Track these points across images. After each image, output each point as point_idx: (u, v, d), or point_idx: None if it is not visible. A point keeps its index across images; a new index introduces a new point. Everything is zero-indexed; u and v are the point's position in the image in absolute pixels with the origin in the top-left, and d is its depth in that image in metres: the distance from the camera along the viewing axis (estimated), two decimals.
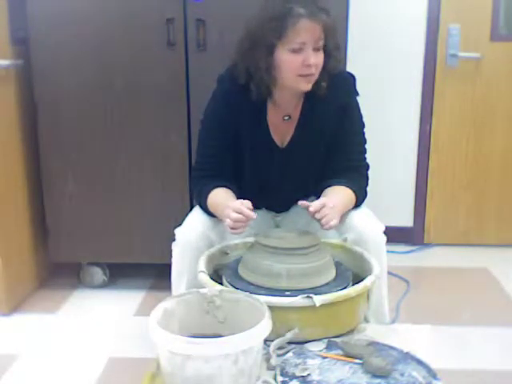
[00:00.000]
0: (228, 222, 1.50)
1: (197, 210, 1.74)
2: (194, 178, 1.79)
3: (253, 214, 1.47)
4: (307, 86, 1.61)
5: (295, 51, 1.54)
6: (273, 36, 1.54)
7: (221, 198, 1.63)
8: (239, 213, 1.47)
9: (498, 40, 2.82)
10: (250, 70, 1.62)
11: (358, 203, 1.67)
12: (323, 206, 1.49)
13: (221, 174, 1.71)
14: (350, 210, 1.66)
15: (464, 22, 2.80)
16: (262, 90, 1.63)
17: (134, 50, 2.23)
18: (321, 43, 1.56)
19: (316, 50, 1.56)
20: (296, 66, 1.56)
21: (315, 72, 1.59)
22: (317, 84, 1.64)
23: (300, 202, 1.54)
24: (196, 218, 1.69)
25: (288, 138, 1.73)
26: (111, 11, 2.20)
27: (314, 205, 1.49)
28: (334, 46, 1.62)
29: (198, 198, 1.72)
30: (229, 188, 1.68)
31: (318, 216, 1.49)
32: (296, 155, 1.73)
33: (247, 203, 1.50)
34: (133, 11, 2.20)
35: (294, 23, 1.52)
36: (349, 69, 1.94)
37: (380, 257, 1.58)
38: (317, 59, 1.56)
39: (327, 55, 1.61)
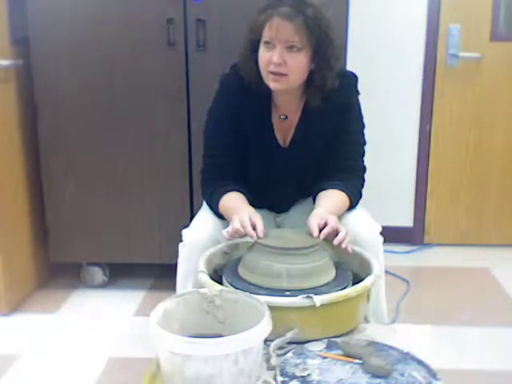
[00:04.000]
0: (228, 229, 1.51)
1: (205, 212, 1.74)
2: (203, 180, 1.78)
3: (254, 235, 1.46)
4: (276, 85, 1.60)
5: (268, 47, 1.56)
6: (251, 29, 1.59)
7: (234, 203, 1.63)
8: (243, 226, 1.48)
9: (498, 40, 2.82)
10: (245, 61, 1.64)
11: (351, 205, 1.68)
12: (338, 231, 1.48)
13: (230, 175, 1.71)
14: (345, 212, 1.66)
15: (464, 22, 2.81)
16: (257, 81, 1.64)
17: (134, 50, 2.24)
18: (294, 44, 1.54)
19: (289, 50, 1.55)
20: (265, 61, 1.57)
21: (287, 72, 1.56)
22: (309, 98, 1.65)
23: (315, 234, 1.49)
24: (204, 220, 1.69)
25: (289, 138, 1.74)
26: (111, 11, 2.20)
27: (337, 239, 1.47)
28: (324, 58, 1.59)
29: (210, 200, 1.72)
30: (241, 192, 1.68)
31: (343, 245, 1.48)
32: (297, 155, 1.73)
33: (256, 220, 1.49)
34: (133, 11, 2.20)
35: (267, 19, 1.55)
36: (349, 69, 1.94)
37: (377, 257, 1.57)
38: (287, 59, 1.55)
39: (317, 68, 1.60)
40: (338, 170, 1.70)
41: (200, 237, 1.63)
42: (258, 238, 1.47)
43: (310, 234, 1.49)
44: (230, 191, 1.67)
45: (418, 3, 2.81)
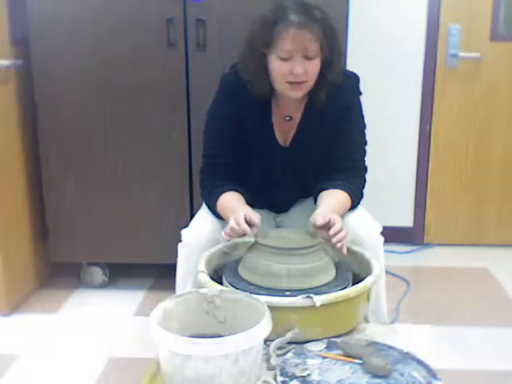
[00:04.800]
0: (226, 229, 1.51)
1: (204, 212, 1.74)
2: (202, 180, 1.78)
3: (248, 230, 1.47)
4: (297, 94, 1.61)
5: (283, 59, 1.55)
6: (263, 43, 1.56)
7: (231, 202, 1.64)
8: (237, 224, 1.48)
9: (498, 40, 2.82)
10: (249, 72, 1.63)
11: (353, 205, 1.68)
12: (341, 230, 1.47)
13: (229, 175, 1.71)
14: (346, 212, 1.66)
15: (464, 22, 2.80)
16: (262, 90, 1.64)
17: (134, 50, 2.23)
18: (312, 52, 1.54)
19: (307, 58, 1.54)
20: (284, 73, 1.56)
21: (307, 79, 1.57)
22: (315, 94, 1.65)
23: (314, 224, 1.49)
24: (203, 220, 1.69)
25: (290, 138, 1.74)
26: (111, 11, 2.20)
27: (336, 237, 1.46)
28: (332, 56, 1.60)
29: (208, 200, 1.72)
30: (239, 192, 1.68)
31: (339, 245, 1.47)
32: (298, 155, 1.74)
33: (254, 217, 1.49)
34: (133, 11, 2.20)
35: (281, 32, 1.52)
36: (348, 69, 1.94)
37: (378, 257, 1.58)
38: (307, 67, 1.55)
39: (326, 65, 1.60)
40: (339, 170, 1.70)
41: (199, 237, 1.63)
42: (255, 235, 1.47)
43: (310, 234, 1.49)
44: (227, 191, 1.67)
45: (418, 3, 2.81)
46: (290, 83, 1.58)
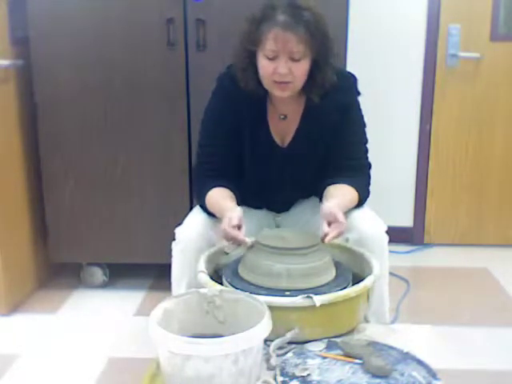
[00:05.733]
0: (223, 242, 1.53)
1: (197, 210, 1.75)
2: (195, 178, 1.79)
3: (247, 241, 1.48)
4: (283, 93, 1.61)
5: (269, 58, 1.55)
6: (251, 41, 1.57)
7: (217, 198, 1.64)
8: (232, 237, 1.48)
9: (498, 40, 2.83)
10: (240, 69, 1.63)
11: (360, 202, 1.68)
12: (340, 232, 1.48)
13: (222, 174, 1.71)
14: (352, 210, 1.65)
15: (464, 22, 2.81)
16: (252, 87, 1.63)
17: (134, 50, 2.24)
18: (298, 54, 1.53)
19: (293, 59, 1.54)
20: (269, 72, 1.56)
21: (292, 80, 1.57)
22: (308, 95, 1.64)
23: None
24: (196, 218, 1.70)
25: (289, 138, 1.73)
26: (111, 11, 2.21)
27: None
28: (323, 57, 1.59)
29: (198, 197, 1.73)
30: (227, 187, 1.68)
31: (326, 240, 1.47)
32: (297, 155, 1.73)
33: (238, 219, 1.49)
34: (133, 11, 2.20)
35: (266, 31, 1.52)
36: (349, 69, 1.94)
37: (382, 256, 1.58)
38: (292, 68, 1.54)
39: (316, 66, 1.59)
40: (343, 169, 1.69)
41: (192, 234, 1.64)
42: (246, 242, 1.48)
43: (310, 234, 1.49)
44: (215, 187, 1.67)
45: (418, 3, 2.81)
46: (276, 82, 1.58)
